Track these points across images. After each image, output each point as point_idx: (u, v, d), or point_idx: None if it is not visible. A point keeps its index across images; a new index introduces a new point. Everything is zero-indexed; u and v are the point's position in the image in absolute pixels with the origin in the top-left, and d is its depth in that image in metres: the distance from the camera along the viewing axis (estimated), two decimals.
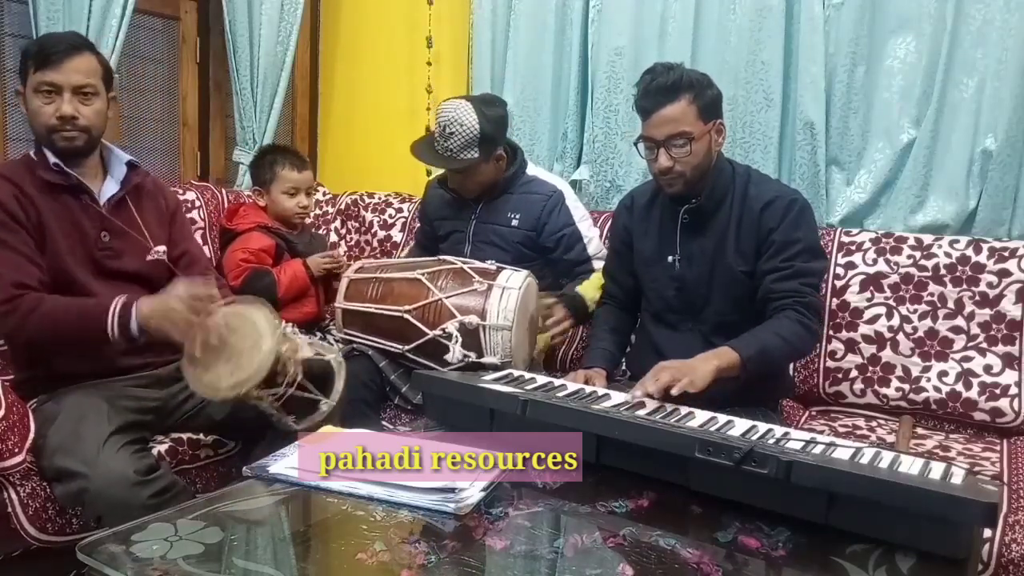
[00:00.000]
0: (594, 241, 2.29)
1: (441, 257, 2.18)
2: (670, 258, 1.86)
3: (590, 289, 2.17)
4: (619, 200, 2.12)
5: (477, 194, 2.28)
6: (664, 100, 1.72)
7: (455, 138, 2.13)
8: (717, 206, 1.82)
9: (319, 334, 2.39)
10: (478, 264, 2.11)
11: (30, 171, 1.71)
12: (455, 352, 1.96)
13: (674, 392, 1.50)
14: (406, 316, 2.03)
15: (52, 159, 1.70)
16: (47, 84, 1.66)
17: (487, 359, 1.96)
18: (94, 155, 1.78)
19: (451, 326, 1.98)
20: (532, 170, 2.36)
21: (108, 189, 1.79)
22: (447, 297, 2.01)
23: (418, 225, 2.58)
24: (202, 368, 1.60)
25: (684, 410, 1.47)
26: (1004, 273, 2.03)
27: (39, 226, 1.67)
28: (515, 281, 2.02)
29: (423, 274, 2.08)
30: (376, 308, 2.09)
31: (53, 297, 1.64)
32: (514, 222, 2.25)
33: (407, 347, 2.05)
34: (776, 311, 1.74)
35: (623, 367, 2.09)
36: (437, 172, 2.50)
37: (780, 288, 1.74)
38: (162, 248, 1.85)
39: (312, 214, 2.87)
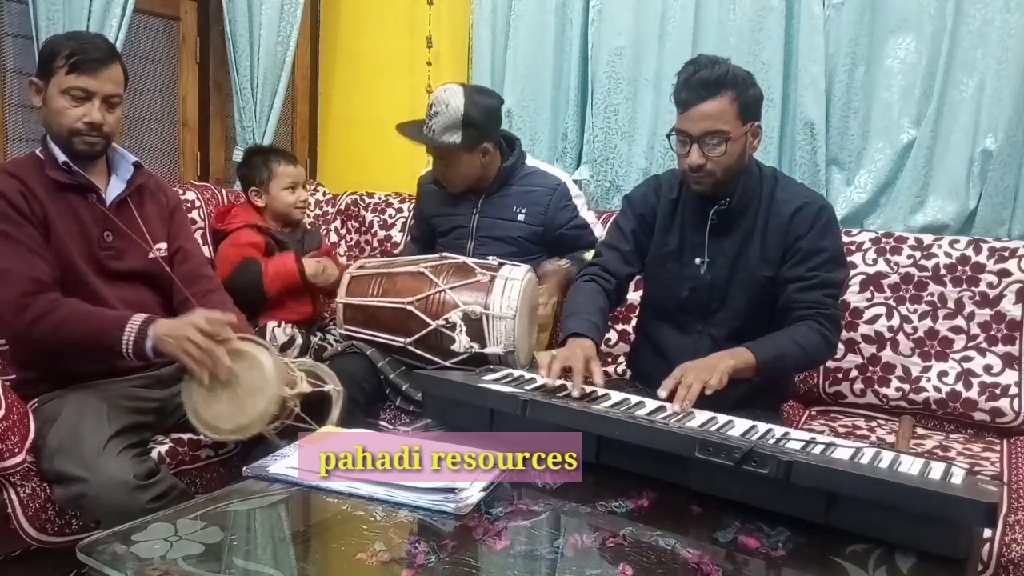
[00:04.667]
0: (597, 226, 2.29)
1: (443, 254, 2.19)
2: (698, 260, 1.81)
3: None
4: (619, 199, 2.10)
5: (460, 189, 2.26)
6: (705, 95, 1.65)
7: (438, 118, 2.12)
8: (744, 208, 1.78)
9: (319, 334, 2.38)
10: (479, 260, 2.12)
11: (37, 169, 1.71)
12: (461, 342, 1.96)
13: (708, 392, 1.48)
14: (409, 307, 2.04)
15: (61, 158, 1.71)
16: (80, 89, 1.68)
17: (490, 349, 1.97)
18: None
19: (455, 315, 1.99)
20: (532, 162, 2.34)
21: (114, 189, 1.80)
22: (451, 288, 2.02)
23: (414, 223, 2.58)
24: (203, 405, 1.62)
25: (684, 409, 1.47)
26: (1004, 273, 2.03)
27: (45, 224, 1.68)
28: (517, 273, 2.03)
29: (426, 268, 2.09)
30: (378, 301, 2.09)
31: (69, 302, 1.65)
32: (520, 216, 2.24)
33: (409, 340, 2.05)
34: (797, 320, 1.72)
35: (624, 367, 2.09)
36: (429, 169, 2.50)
37: (803, 298, 1.72)
38: (163, 246, 1.86)
39: (308, 215, 2.87)
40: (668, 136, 1.76)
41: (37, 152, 1.76)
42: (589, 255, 2.16)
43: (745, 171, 1.77)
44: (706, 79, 1.65)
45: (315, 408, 1.71)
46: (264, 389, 1.59)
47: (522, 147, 2.33)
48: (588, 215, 2.29)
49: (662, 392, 1.50)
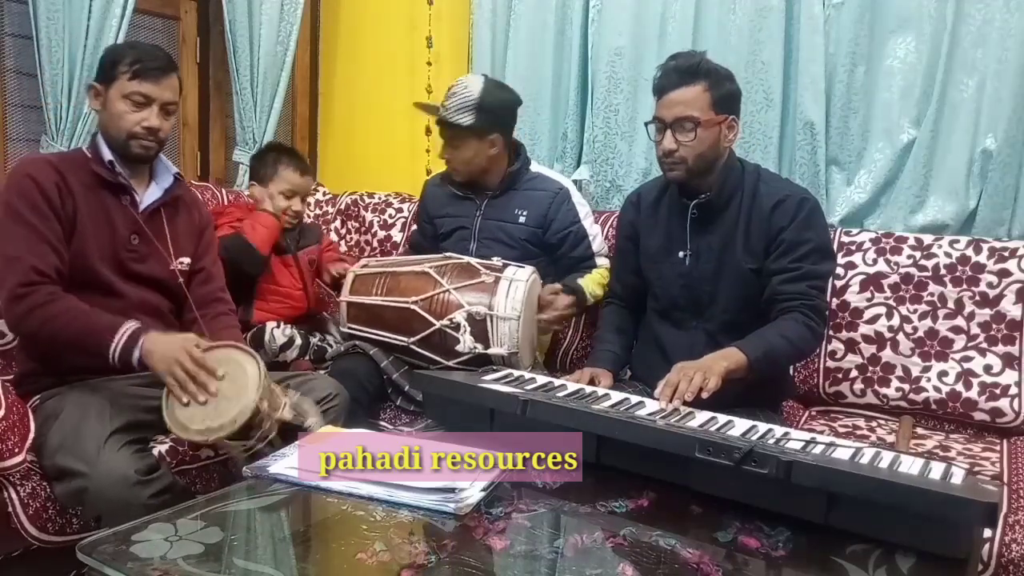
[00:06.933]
0: (597, 238, 2.30)
1: (447, 254, 2.19)
2: (680, 253, 1.85)
3: (591, 283, 2.19)
4: (619, 199, 2.13)
5: (463, 177, 2.27)
6: (680, 82, 1.73)
7: (454, 98, 2.17)
8: (727, 202, 1.82)
9: (319, 335, 2.38)
10: (484, 260, 2.13)
11: (81, 164, 1.75)
12: (466, 342, 1.97)
13: (704, 395, 1.49)
14: (413, 307, 2.04)
15: (107, 156, 1.74)
16: (142, 95, 1.73)
17: (494, 350, 1.97)
18: None
19: (459, 316, 1.99)
20: (536, 168, 2.37)
21: (151, 195, 1.83)
22: (455, 288, 2.03)
23: (415, 227, 2.58)
24: (179, 402, 1.59)
25: (684, 410, 1.47)
26: (1004, 273, 2.03)
27: (72, 220, 1.71)
28: (522, 275, 2.04)
29: (430, 267, 2.10)
30: (382, 301, 2.10)
31: (67, 297, 1.65)
32: (521, 219, 2.25)
33: (412, 339, 2.05)
34: (782, 312, 1.74)
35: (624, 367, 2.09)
36: (435, 171, 2.51)
37: (787, 290, 1.74)
38: (187, 260, 1.89)
39: (308, 216, 2.87)
40: (646, 125, 1.82)
41: (84, 149, 1.81)
42: (584, 280, 2.19)
43: (723, 164, 1.81)
44: (680, 67, 1.74)
45: (292, 439, 1.67)
46: (241, 395, 1.57)
47: (527, 153, 2.36)
48: (591, 227, 2.29)
49: (660, 398, 1.51)
